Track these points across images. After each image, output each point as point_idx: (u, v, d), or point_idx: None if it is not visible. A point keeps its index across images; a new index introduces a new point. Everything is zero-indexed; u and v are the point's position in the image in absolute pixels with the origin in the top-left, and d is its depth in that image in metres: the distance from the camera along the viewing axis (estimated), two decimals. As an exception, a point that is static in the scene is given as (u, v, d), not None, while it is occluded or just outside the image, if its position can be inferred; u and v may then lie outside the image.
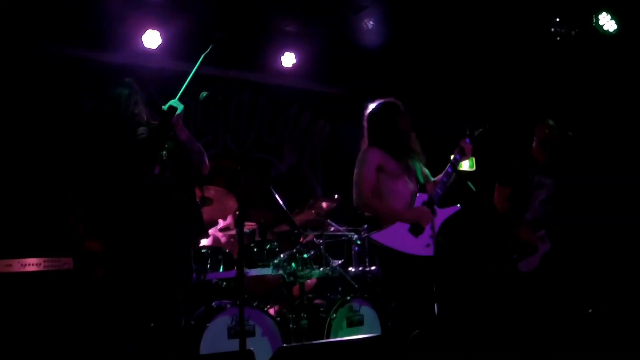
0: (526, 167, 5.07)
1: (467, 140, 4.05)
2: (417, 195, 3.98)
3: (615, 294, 5.03)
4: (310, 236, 5.17)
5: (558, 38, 5.98)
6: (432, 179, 4.17)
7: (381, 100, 4.20)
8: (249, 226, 5.25)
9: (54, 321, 4.16)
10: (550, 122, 5.01)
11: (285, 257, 4.74)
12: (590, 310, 3.93)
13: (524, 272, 4.88)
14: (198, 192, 5.07)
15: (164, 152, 3.81)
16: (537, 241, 4.90)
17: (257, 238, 5.18)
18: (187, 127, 6.64)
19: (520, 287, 4.79)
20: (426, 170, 4.17)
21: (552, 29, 6.01)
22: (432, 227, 3.94)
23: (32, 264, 4.19)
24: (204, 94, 3.80)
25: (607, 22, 5.96)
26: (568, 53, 6.02)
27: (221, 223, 5.44)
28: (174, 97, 3.78)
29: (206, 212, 5.17)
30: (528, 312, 4.47)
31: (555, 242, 4.88)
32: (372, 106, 4.20)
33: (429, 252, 3.90)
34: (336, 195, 5.44)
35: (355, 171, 4.04)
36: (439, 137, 4.40)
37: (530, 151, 5.14)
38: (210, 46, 3.87)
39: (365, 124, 4.21)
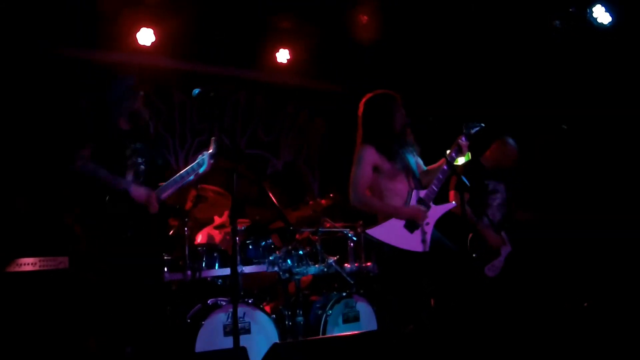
0: (480, 173, 5.09)
1: (464, 138, 4.03)
2: (413, 192, 3.97)
3: (580, 292, 5.07)
4: (306, 233, 5.16)
5: (553, 31, 5.98)
6: (425, 167, 4.15)
7: (377, 92, 4.14)
8: (244, 223, 5.24)
9: (50, 320, 4.17)
10: (512, 141, 5.10)
11: (281, 253, 4.73)
12: (585, 304, 3.92)
13: (491, 276, 4.89)
14: (193, 191, 5.07)
15: (141, 160, 3.88)
16: (500, 245, 4.93)
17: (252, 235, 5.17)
18: (182, 125, 6.65)
19: (491, 291, 4.79)
20: (420, 161, 4.15)
21: (547, 22, 6.00)
22: (428, 224, 3.94)
23: (28, 264, 4.20)
24: (196, 90, 3.80)
25: (601, 15, 5.96)
26: (562, 45, 6.01)
27: (217, 220, 5.43)
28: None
29: (202, 209, 5.16)
30: (501, 315, 4.48)
31: (515, 244, 4.92)
32: (368, 97, 4.14)
33: (425, 247, 3.89)
34: (331, 194, 5.44)
35: (352, 169, 4.02)
36: (436, 132, 4.38)
37: (479, 157, 5.17)
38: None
39: (360, 115, 4.14)
